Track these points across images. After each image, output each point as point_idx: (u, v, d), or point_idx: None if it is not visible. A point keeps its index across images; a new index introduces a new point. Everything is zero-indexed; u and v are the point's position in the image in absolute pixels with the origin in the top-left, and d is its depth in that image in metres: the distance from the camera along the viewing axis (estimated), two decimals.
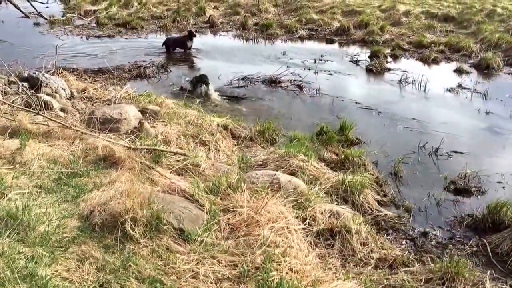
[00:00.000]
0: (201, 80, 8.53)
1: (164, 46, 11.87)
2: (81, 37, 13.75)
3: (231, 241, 3.44)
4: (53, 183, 4.06)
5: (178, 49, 11.87)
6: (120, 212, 3.39)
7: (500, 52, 11.23)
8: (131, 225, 3.31)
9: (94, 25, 15.48)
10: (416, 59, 11.43)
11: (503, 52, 11.23)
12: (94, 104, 6.71)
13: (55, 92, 6.78)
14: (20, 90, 6.37)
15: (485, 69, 10.34)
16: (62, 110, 6.20)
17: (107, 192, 3.84)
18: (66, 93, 6.98)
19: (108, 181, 4.14)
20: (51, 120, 5.25)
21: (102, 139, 4.94)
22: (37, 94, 6.30)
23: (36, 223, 3.30)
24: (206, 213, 3.72)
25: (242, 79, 9.50)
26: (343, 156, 5.69)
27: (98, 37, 13.84)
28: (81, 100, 6.94)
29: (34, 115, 5.43)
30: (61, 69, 8.45)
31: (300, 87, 9.06)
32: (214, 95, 8.47)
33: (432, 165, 5.92)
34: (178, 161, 4.94)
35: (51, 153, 4.58)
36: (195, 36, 11.82)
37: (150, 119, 6.13)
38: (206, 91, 8.45)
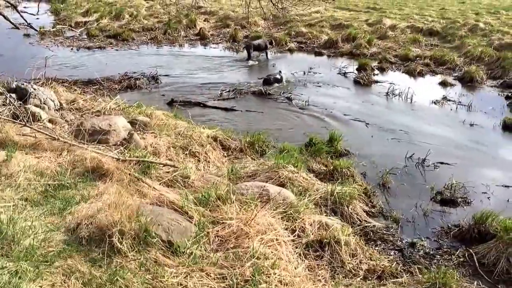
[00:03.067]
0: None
1: (245, 49, 12.79)
2: (72, 49, 13.73)
3: (220, 253, 3.43)
4: (40, 196, 4.02)
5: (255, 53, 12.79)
6: (108, 225, 3.36)
7: (483, 65, 11.45)
8: (118, 238, 3.28)
9: (85, 36, 15.49)
10: (402, 72, 11.61)
11: (486, 65, 11.45)
12: (83, 115, 6.68)
13: (44, 103, 6.73)
14: (7, 101, 6.31)
15: (469, 82, 10.53)
16: (51, 121, 6.16)
17: (94, 205, 3.80)
18: (55, 104, 6.94)
19: (96, 193, 4.11)
20: (39, 131, 5.21)
21: (90, 150, 4.91)
22: (25, 105, 6.25)
23: (21, 237, 3.25)
24: (195, 225, 3.71)
25: (232, 90, 9.56)
26: (332, 167, 5.74)
27: (89, 48, 13.84)
28: (70, 111, 6.91)
29: (21, 127, 5.38)
30: (50, 80, 8.41)
31: (289, 98, 9.14)
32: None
33: (419, 176, 5.99)
34: (167, 172, 4.92)
35: (38, 165, 4.53)
36: (271, 43, 13.17)
37: (139, 130, 6.12)
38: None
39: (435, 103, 9.11)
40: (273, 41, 13.68)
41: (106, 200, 3.85)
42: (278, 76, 10.25)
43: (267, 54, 13.03)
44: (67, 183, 4.28)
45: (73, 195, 4.08)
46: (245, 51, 12.81)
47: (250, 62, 12.36)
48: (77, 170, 4.58)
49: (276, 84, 10.02)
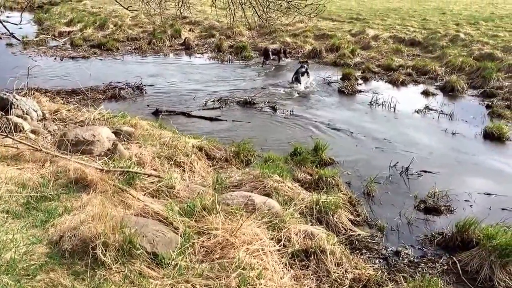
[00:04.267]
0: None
1: (263, 54, 13.41)
2: (55, 58, 13.61)
3: (206, 264, 3.41)
4: (21, 208, 3.95)
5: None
6: (91, 237, 3.32)
7: (464, 75, 11.70)
8: (102, 250, 3.24)
9: (69, 46, 15.37)
10: (386, 81, 11.78)
11: (466, 75, 11.70)
12: (67, 126, 6.61)
13: (26, 114, 6.65)
14: None
15: (450, 91, 10.74)
16: (33, 132, 6.08)
17: (78, 216, 3.76)
18: (37, 115, 6.86)
19: (79, 205, 4.06)
20: (21, 142, 5.13)
21: (74, 161, 4.86)
22: (7, 116, 6.16)
23: (1, 251, 3.19)
24: (180, 236, 3.68)
25: (217, 100, 9.57)
26: (317, 176, 5.77)
27: (72, 58, 13.73)
28: (53, 121, 6.83)
29: (3, 138, 5.29)
30: (33, 90, 8.32)
31: (274, 108, 9.18)
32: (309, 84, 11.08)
33: (403, 184, 6.06)
34: (152, 183, 4.89)
35: (20, 177, 4.46)
36: (285, 50, 13.89)
37: (124, 141, 6.08)
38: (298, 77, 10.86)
39: (417, 112, 9.25)
40: (286, 49, 14.26)
41: (90, 211, 3.81)
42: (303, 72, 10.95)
43: (280, 59, 13.66)
44: (50, 194, 4.22)
45: (55, 207, 4.02)
46: (262, 56, 13.52)
47: (267, 62, 13.24)
48: (60, 182, 4.52)
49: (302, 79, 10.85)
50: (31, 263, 3.16)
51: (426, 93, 10.64)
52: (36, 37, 16.05)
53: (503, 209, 5.47)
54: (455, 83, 10.83)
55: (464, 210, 5.42)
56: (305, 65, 11.43)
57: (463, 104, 9.98)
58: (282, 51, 13.65)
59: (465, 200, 5.64)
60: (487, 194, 5.84)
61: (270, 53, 13.24)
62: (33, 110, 6.84)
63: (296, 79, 10.94)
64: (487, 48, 13.40)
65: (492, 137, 7.78)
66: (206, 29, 18.18)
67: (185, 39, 16.29)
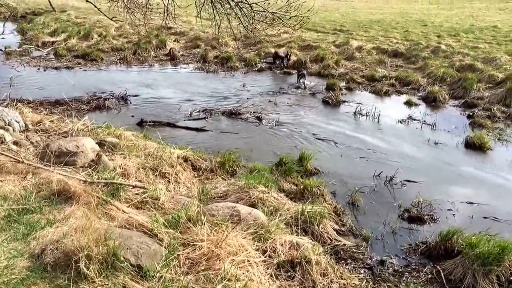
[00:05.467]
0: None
1: (273, 57, 14.96)
2: (38, 69, 13.47)
3: (191, 276, 3.39)
4: (2, 221, 3.87)
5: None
6: (74, 250, 3.27)
7: (446, 85, 11.93)
8: (85, 263, 3.19)
9: (52, 56, 15.24)
10: (369, 92, 11.94)
11: (448, 85, 11.92)
12: (50, 137, 6.52)
13: (8, 125, 6.55)
14: None
15: (432, 102, 10.93)
16: (15, 143, 5.99)
17: (60, 229, 3.70)
18: (20, 126, 6.76)
19: (62, 217, 3.99)
20: (2, 154, 5.05)
21: (56, 173, 4.79)
22: None
23: None
24: (165, 247, 3.65)
25: (203, 111, 9.58)
26: (302, 186, 5.80)
27: (56, 68, 13.61)
28: (36, 132, 6.74)
29: None
30: (15, 101, 8.21)
31: (259, 118, 9.22)
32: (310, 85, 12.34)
33: (387, 194, 6.12)
34: (137, 194, 4.85)
35: (1, 189, 4.38)
36: (290, 54, 15.01)
37: (108, 152, 6.02)
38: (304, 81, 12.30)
39: (401, 122, 9.38)
40: (290, 53, 15.26)
41: (73, 224, 3.76)
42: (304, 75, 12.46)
43: (287, 61, 14.82)
44: (32, 207, 4.15)
45: (38, 219, 3.96)
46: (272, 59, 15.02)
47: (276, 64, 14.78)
48: (43, 194, 4.45)
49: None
50: (12, 277, 3.09)
51: (409, 104, 10.81)
52: (19, 47, 15.88)
53: (485, 217, 5.56)
54: (437, 93, 11.04)
55: (447, 219, 5.50)
56: (304, 72, 12.85)
57: (445, 114, 10.16)
58: (288, 55, 14.93)
59: (448, 209, 5.72)
60: (469, 203, 5.94)
61: (278, 57, 14.86)
62: (16, 121, 6.75)
63: (302, 77, 12.49)
64: (468, 60, 13.69)
65: (473, 146, 7.92)
66: (192, 40, 18.20)
67: (170, 50, 16.29)
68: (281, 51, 15.13)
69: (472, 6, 32.55)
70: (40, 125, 7.03)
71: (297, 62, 14.87)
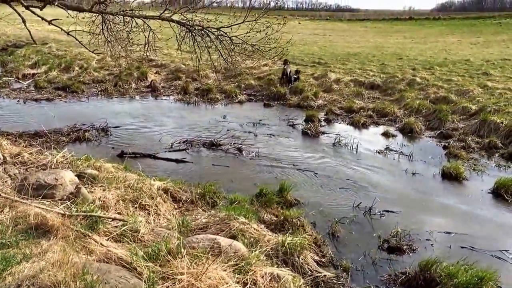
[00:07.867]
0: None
1: (282, 74, 16.21)
2: (18, 101, 13.37)
3: None
4: None
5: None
6: (51, 285, 3.21)
7: (421, 117, 12.30)
8: None
9: (33, 88, 15.17)
10: (348, 123, 12.20)
11: (424, 117, 12.30)
12: (29, 169, 6.43)
13: None
14: None
15: (409, 133, 11.23)
16: None
17: (37, 264, 3.62)
18: None
19: (39, 252, 3.92)
20: None
21: (34, 206, 4.72)
22: None
23: None
24: (145, 282, 3.61)
25: (184, 142, 9.62)
26: (282, 217, 5.83)
27: (36, 100, 13.54)
28: (14, 165, 6.63)
29: None
30: None
31: (240, 149, 9.30)
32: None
33: (367, 224, 6.20)
34: (116, 227, 4.80)
35: None
36: (300, 72, 16.65)
37: (88, 184, 5.96)
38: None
39: (379, 153, 9.59)
40: (300, 70, 16.94)
41: (50, 258, 3.69)
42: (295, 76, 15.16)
43: (295, 80, 15.97)
44: (8, 241, 4.06)
45: (14, 254, 3.86)
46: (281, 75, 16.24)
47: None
48: (20, 227, 4.36)
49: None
50: None
51: (386, 135, 11.07)
52: None
53: (462, 247, 5.67)
54: (413, 125, 11.36)
55: (426, 249, 5.58)
56: (288, 63, 15.16)
57: (421, 145, 10.43)
58: (296, 73, 16.29)
59: (426, 239, 5.82)
60: (447, 232, 6.05)
61: (286, 73, 16.00)
62: None
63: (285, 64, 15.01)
64: (442, 92, 14.17)
65: (449, 176, 8.12)
66: (173, 72, 18.39)
67: (151, 82, 16.42)
68: (289, 70, 16.25)
69: (445, 40, 33.94)
70: (18, 157, 6.93)
71: (276, 93, 15.14)
